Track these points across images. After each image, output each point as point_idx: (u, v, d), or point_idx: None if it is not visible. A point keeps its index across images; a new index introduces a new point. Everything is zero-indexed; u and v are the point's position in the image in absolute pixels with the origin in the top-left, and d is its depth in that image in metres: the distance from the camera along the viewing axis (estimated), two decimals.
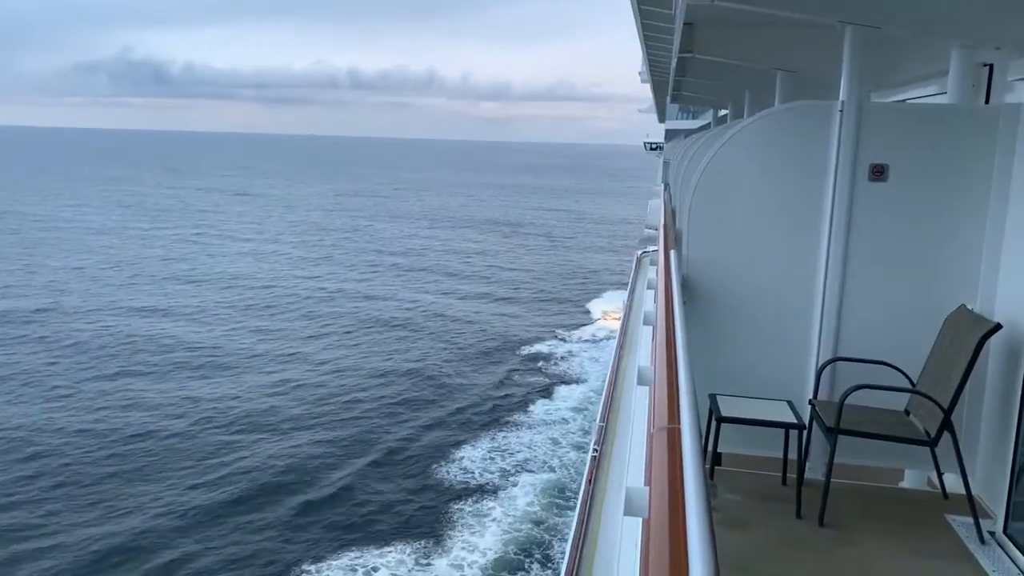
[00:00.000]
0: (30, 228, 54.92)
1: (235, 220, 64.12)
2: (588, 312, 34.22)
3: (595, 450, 4.96)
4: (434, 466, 18.17)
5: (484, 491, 16.86)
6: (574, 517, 4.17)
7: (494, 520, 15.50)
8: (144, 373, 23.94)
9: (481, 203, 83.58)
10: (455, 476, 17.64)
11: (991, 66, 5.55)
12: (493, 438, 19.82)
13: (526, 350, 27.86)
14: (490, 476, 17.61)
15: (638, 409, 2.90)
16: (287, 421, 20.48)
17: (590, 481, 4.38)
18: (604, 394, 6.01)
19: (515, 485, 17.04)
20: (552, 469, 17.96)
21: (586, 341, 29.11)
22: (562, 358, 26.82)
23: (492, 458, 18.56)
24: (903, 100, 7.78)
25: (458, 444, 19.38)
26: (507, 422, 20.95)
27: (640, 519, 1.82)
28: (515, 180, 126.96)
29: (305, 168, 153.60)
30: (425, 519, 15.60)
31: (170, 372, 24.15)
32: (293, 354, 26.53)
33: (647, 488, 1.80)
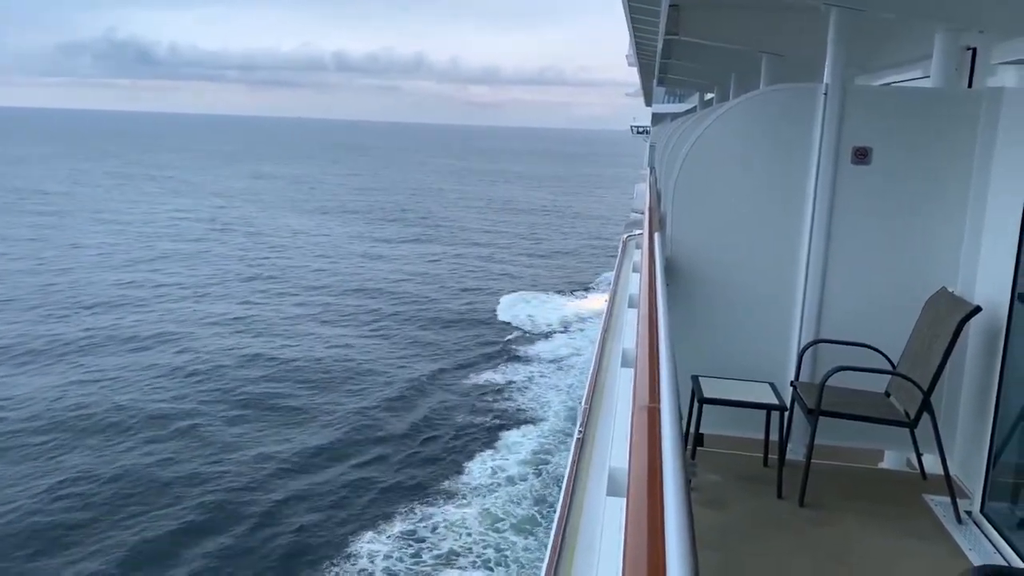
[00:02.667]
0: None
1: (90, 209, 54.29)
2: (572, 297, 33.10)
3: (579, 432, 4.98)
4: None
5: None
6: (559, 498, 4.19)
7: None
8: None
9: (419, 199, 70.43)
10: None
11: (974, 49, 5.57)
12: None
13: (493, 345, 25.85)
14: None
15: (622, 391, 2.92)
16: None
17: (574, 462, 4.41)
18: (589, 376, 6.05)
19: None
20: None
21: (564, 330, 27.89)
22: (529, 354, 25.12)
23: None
24: (887, 83, 7.81)
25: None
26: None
27: (622, 499, 1.84)
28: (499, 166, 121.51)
29: (253, 150, 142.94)
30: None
31: None
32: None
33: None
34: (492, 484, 15.50)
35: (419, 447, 17.45)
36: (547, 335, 26.08)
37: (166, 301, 29.28)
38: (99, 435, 17.31)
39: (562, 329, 26.82)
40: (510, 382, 21.74)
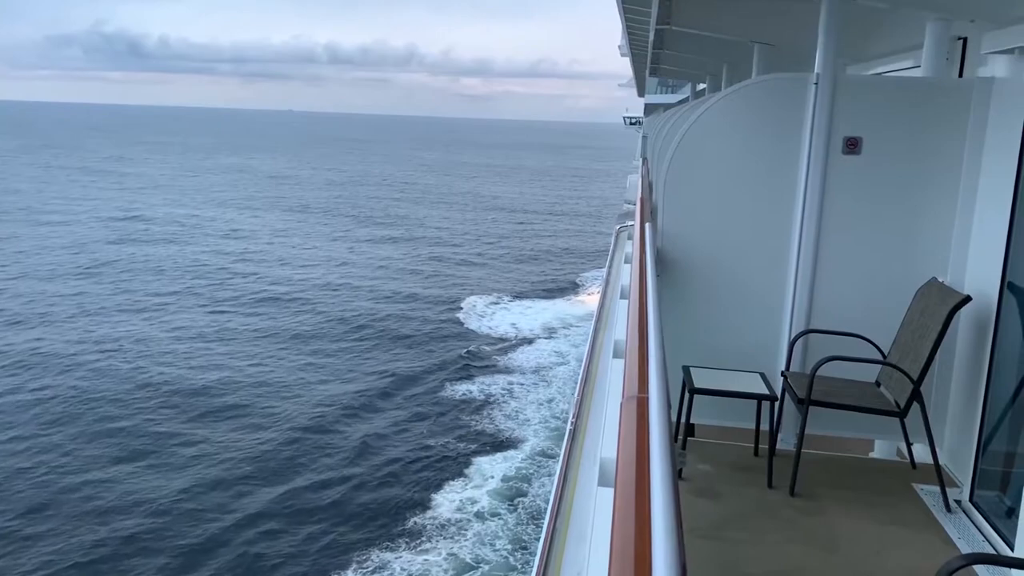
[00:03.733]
0: None
1: None
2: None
3: (571, 423, 4.97)
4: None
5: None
6: (551, 489, 4.19)
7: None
8: None
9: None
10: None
11: (965, 39, 5.57)
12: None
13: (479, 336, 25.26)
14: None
15: (613, 382, 2.91)
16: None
17: (566, 453, 4.40)
18: (581, 367, 6.04)
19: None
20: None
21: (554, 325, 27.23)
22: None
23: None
24: (878, 73, 7.80)
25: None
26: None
27: (613, 489, 1.83)
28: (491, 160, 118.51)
29: (234, 143, 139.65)
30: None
31: None
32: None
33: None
34: (461, 521, 13.57)
35: (381, 476, 15.48)
36: (530, 341, 24.60)
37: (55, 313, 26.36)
38: None
39: (546, 335, 25.27)
40: (488, 396, 19.85)
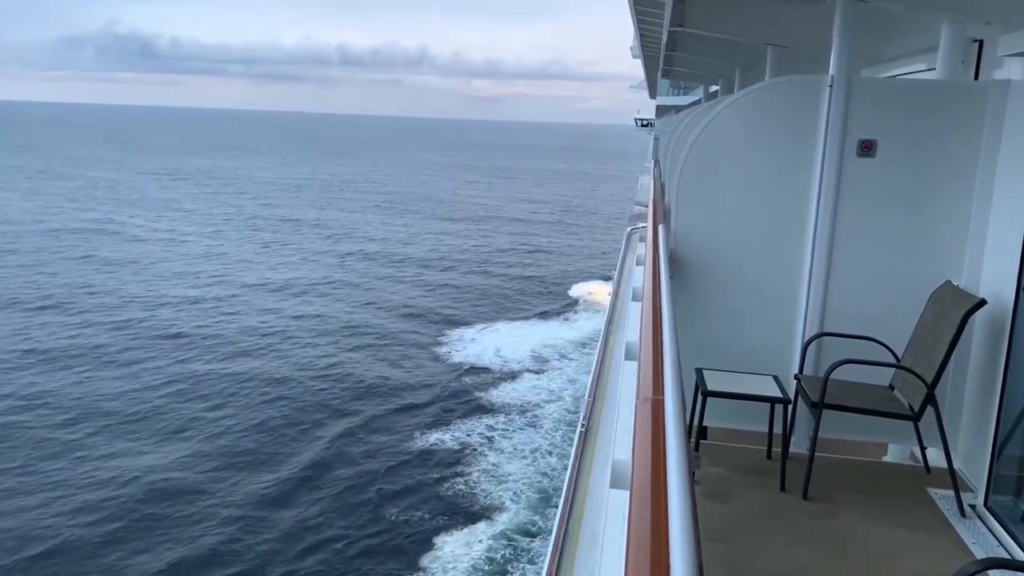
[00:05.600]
0: None
1: None
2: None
3: (583, 425, 4.98)
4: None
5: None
6: (562, 491, 4.19)
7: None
8: None
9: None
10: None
11: (981, 41, 5.54)
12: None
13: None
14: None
15: (625, 384, 2.91)
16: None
17: (577, 455, 4.40)
18: (593, 369, 6.04)
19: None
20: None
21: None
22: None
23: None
24: (893, 76, 7.77)
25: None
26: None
27: (626, 491, 1.83)
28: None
29: (223, 143, 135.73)
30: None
31: None
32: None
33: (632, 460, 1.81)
34: None
35: (311, 567, 11.98)
36: (514, 376, 21.23)
37: None
38: None
39: (535, 368, 21.97)
40: (462, 447, 16.43)
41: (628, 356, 3.11)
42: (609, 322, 7.23)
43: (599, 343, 7.21)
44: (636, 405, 2.06)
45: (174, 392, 19.47)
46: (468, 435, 17.12)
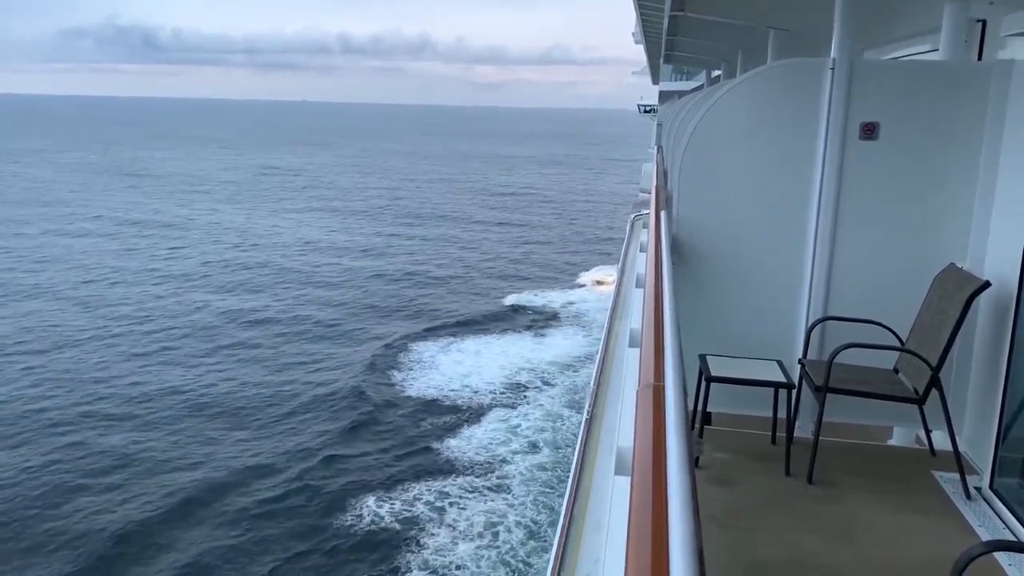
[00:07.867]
0: None
1: None
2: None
3: (588, 412, 4.99)
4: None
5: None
6: (568, 478, 4.21)
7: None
8: None
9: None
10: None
11: (984, 22, 5.49)
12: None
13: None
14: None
15: (630, 371, 2.92)
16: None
17: (583, 442, 4.42)
18: (597, 357, 6.05)
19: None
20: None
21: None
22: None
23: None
24: (896, 58, 7.72)
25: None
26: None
27: (629, 478, 1.84)
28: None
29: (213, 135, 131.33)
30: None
31: None
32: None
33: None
34: None
35: None
36: (481, 413, 17.00)
37: None
38: None
39: (509, 401, 17.66)
40: (404, 524, 12.24)
41: (632, 343, 3.12)
42: (614, 309, 7.23)
43: (603, 330, 7.22)
44: (637, 392, 2.06)
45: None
46: (413, 506, 12.84)
